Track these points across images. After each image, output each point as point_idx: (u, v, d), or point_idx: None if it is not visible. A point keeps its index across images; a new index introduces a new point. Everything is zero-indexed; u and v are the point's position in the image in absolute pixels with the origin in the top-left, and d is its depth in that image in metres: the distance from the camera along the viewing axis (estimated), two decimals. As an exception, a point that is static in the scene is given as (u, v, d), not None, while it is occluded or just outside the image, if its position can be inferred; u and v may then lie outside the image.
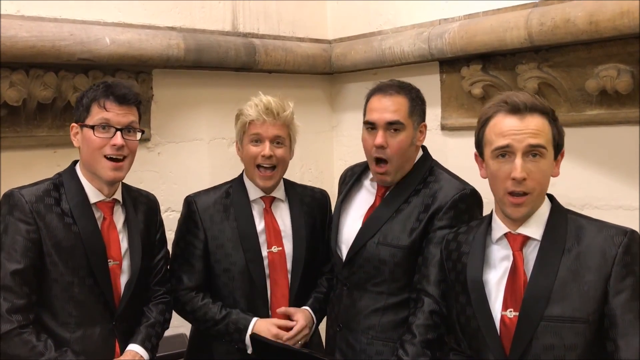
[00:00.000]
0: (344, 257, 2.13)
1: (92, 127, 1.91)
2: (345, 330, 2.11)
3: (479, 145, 1.72)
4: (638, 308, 1.53)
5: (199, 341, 2.30)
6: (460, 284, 1.74)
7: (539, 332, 1.56)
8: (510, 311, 1.61)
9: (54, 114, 2.59)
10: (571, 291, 1.57)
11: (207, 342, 2.24)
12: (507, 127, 1.62)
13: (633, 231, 1.59)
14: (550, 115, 1.65)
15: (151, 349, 2.01)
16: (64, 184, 1.97)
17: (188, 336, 2.49)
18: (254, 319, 2.12)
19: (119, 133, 1.92)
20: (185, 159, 3.04)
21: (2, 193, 1.98)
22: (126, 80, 2.25)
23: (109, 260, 1.97)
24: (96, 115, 1.92)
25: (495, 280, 1.68)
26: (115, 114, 1.93)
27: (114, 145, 1.91)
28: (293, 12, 3.41)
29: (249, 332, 2.11)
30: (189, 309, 2.19)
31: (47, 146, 2.62)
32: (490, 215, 1.76)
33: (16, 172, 2.52)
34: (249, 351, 2.11)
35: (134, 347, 1.98)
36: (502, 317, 1.62)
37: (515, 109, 1.62)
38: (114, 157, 1.93)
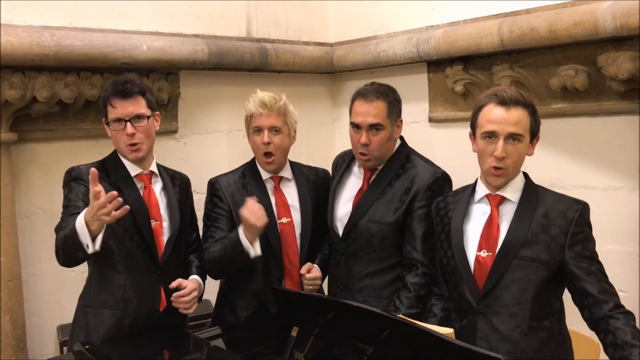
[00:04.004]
0: (340, 233, 2.41)
1: (108, 124, 2.20)
2: (344, 290, 2.40)
3: (473, 126, 2.01)
4: (589, 255, 1.91)
5: (223, 300, 2.57)
6: (444, 233, 2.08)
7: (511, 267, 1.90)
8: (484, 252, 1.95)
9: (96, 110, 2.83)
10: (540, 240, 1.91)
11: (231, 300, 2.50)
12: (494, 116, 1.91)
13: (585, 202, 1.96)
14: (530, 108, 1.94)
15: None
16: (109, 164, 2.26)
17: (213, 302, 2.77)
18: (240, 229, 2.28)
19: (128, 124, 2.16)
20: (208, 148, 3.25)
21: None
22: (129, 74, 2.40)
23: (151, 221, 2.24)
24: (110, 113, 2.19)
25: (473, 229, 2.01)
26: (121, 108, 2.16)
27: (127, 134, 2.17)
28: (299, 19, 3.58)
29: (241, 234, 2.26)
30: (204, 256, 2.41)
31: (91, 137, 2.89)
32: (474, 183, 2.09)
33: (64, 160, 2.74)
34: (252, 254, 2.27)
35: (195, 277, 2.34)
36: (477, 257, 1.96)
37: (503, 102, 1.91)
38: (130, 143, 2.18)
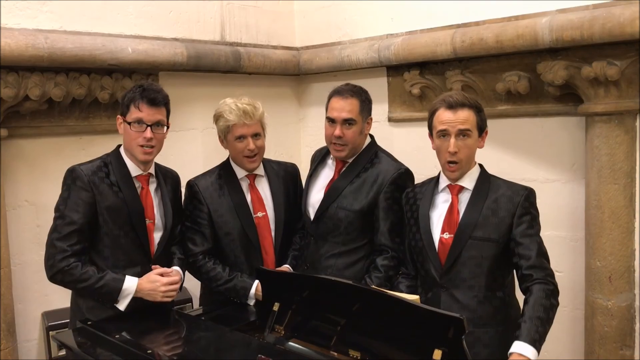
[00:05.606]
0: (312, 217, 2.63)
1: (130, 123, 2.30)
2: (311, 269, 2.60)
3: (430, 128, 2.26)
4: (532, 234, 2.14)
5: (208, 289, 2.67)
6: (413, 219, 2.33)
7: (467, 246, 2.16)
8: (446, 234, 2.21)
9: (80, 108, 3.01)
10: (490, 222, 2.16)
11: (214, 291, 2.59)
12: (445, 118, 2.18)
13: (531, 188, 2.24)
14: (475, 108, 2.20)
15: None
16: (111, 162, 2.36)
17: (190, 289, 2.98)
18: (255, 282, 2.49)
19: (149, 129, 2.28)
20: (184, 145, 3.40)
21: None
22: (156, 84, 2.52)
23: (146, 219, 2.38)
24: (133, 113, 2.29)
25: (437, 215, 2.27)
26: (146, 113, 2.28)
27: (145, 138, 2.29)
28: (268, 25, 3.75)
29: (252, 290, 2.48)
30: (204, 270, 2.56)
31: (75, 133, 3.03)
32: (438, 175, 2.33)
33: (50, 154, 2.96)
34: (251, 303, 2.48)
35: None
36: (440, 238, 2.22)
37: (450, 106, 2.17)
38: (145, 145, 2.31)
